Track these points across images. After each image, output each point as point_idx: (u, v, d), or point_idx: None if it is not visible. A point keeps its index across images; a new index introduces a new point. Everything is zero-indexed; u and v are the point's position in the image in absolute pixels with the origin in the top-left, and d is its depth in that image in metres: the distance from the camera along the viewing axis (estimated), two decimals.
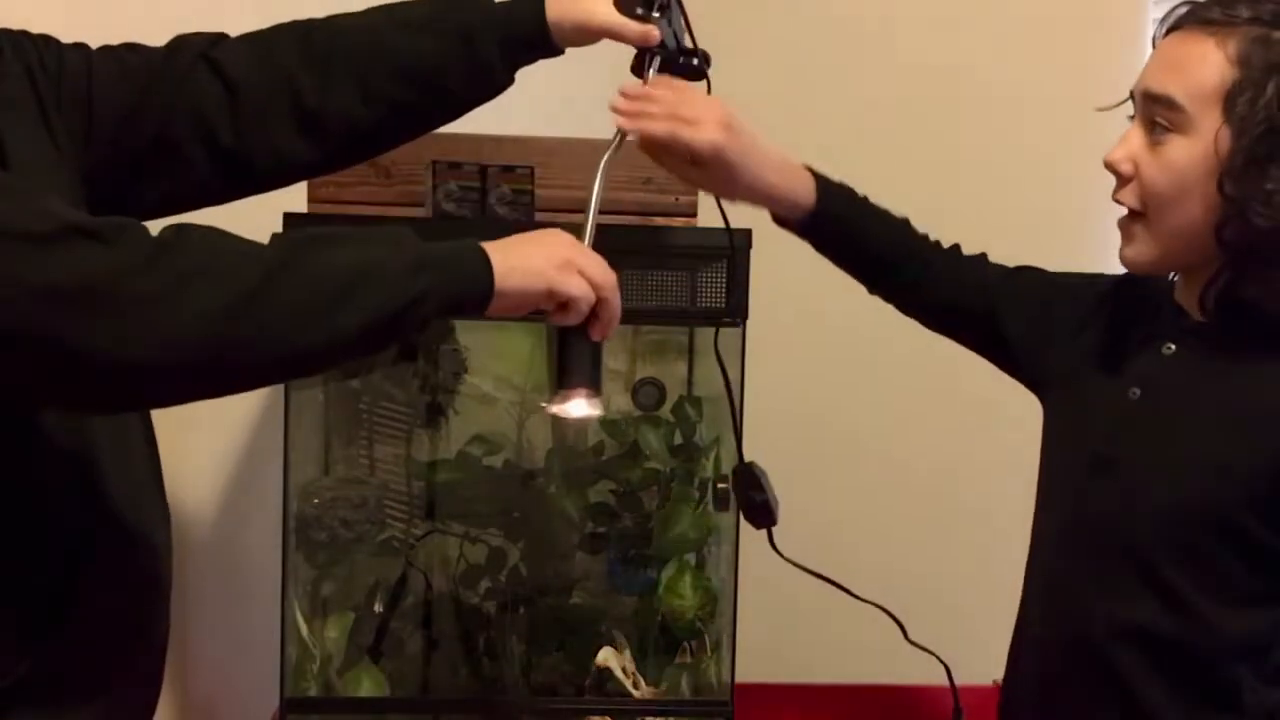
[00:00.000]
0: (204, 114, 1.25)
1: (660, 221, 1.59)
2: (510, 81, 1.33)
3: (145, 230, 1.01)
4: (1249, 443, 1.15)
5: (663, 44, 1.29)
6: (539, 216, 1.56)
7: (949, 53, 2.20)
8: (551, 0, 1.29)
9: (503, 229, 1.53)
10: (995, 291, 1.38)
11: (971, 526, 2.27)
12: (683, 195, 1.63)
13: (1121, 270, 1.27)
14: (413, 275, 1.07)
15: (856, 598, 1.43)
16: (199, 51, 1.28)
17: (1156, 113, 1.16)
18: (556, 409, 1.23)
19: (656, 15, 1.28)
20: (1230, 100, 1.12)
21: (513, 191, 1.55)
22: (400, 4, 1.33)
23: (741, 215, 1.51)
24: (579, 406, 1.23)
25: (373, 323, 1.05)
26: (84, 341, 0.96)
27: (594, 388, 1.23)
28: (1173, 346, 1.22)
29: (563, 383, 1.22)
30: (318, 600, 1.65)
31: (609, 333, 1.20)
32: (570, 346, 1.22)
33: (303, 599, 1.60)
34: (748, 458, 1.43)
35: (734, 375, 1.56)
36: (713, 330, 1.44)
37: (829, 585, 1.48)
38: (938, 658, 1.43)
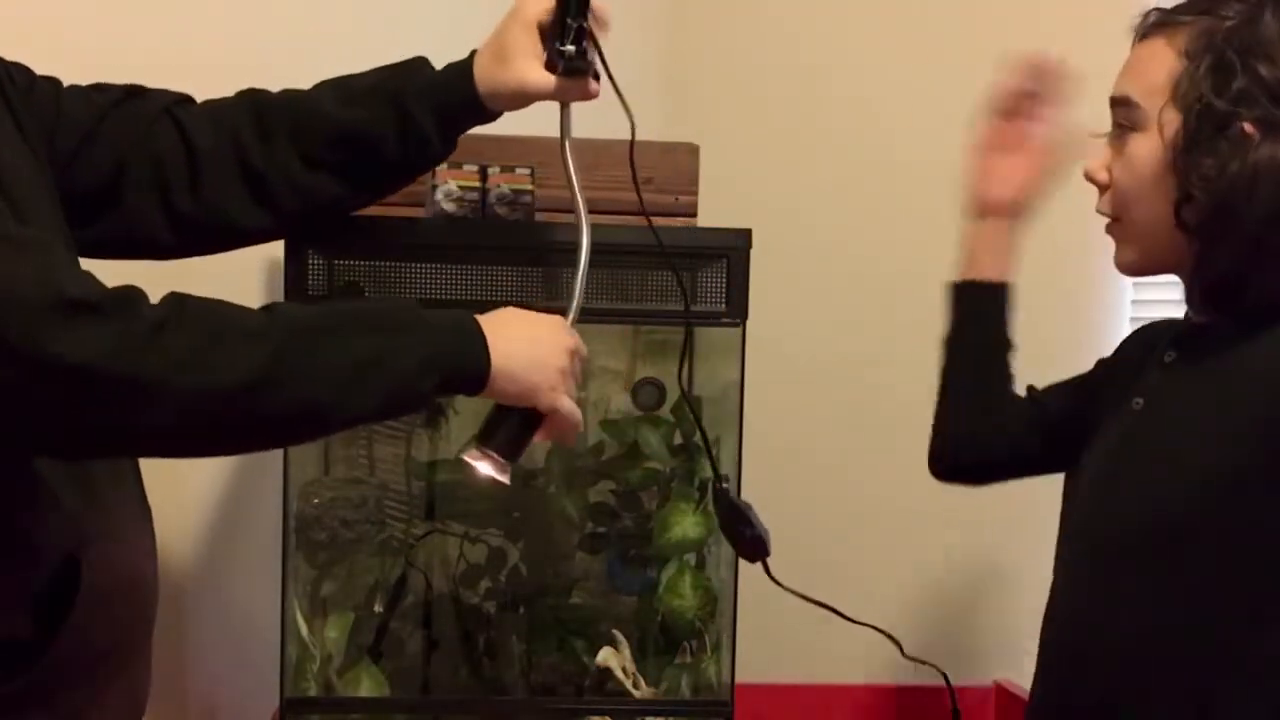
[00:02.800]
0: (161, 167, 1.29)
1: (660, 221, 1.59)
2: (451, 148, 1.37)
3: (146, 301, 1.01)
4: (1246, 443, 1.15)
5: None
6: (539, 216, 1.56)
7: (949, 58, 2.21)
8: (480, 69, 1.31)
9: (503, 229, 1.54)
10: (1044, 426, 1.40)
11: (972, 525, 2.27)
12: (683, 195, 1.63)
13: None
14: (420, 376, 1.11)
15: (853, 620, 1.43)
16: (165, 104, 1.32)
17: (1119, 116, 1.21)
18: (468, 457, 1.25)
19: (589, 60, 1.29)
20: (1176, 87, 1.15)
21: (513, 191, 1.55)
22: (347, 76, 1.36)
23: (741, 215, 1.51)
24: (486, 468, 1.25)
25: (370, 417, 1.14)
26: (78, 417, 0.97)
27: (512, 460, 1.25)
28: (1173, 354, 1.23)
29: (486, 441, 1.24)
30: (318, 600, 1.65)
31: (559, 439, 1.28)
32: (512, 418, 1.23)
33: (303, 599, 1.60)
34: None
35: (734, 375, 1.56)
36: (713, 330, 1.44)
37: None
38: (936, 668, 1.44)
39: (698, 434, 1.69)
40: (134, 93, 1.32)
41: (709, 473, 1.66)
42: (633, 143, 1.35)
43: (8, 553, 1.07)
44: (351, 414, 1.10)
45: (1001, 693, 2.02)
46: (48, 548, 1.09)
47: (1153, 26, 1.20)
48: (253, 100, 1.35)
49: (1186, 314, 1.27)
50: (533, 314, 1.24)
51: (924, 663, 1.46)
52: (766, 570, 1.41)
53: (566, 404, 1.22)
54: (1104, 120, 1.26)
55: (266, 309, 1.09)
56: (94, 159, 1.26)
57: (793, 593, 1.41)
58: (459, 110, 1.33)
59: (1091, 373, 1.40)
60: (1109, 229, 1.25)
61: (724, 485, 1.46)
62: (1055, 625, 1.29)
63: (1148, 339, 1.34)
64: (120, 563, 1.17)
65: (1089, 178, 1.24)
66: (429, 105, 1.32)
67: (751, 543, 1.40)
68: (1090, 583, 1.24)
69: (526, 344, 1.19)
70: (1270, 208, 1.11)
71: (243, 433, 1.06)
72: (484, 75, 1.31)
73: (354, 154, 1.33)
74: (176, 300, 1.02)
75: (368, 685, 1.60)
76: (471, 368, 1.15)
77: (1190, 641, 1.16)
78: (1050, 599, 1.32)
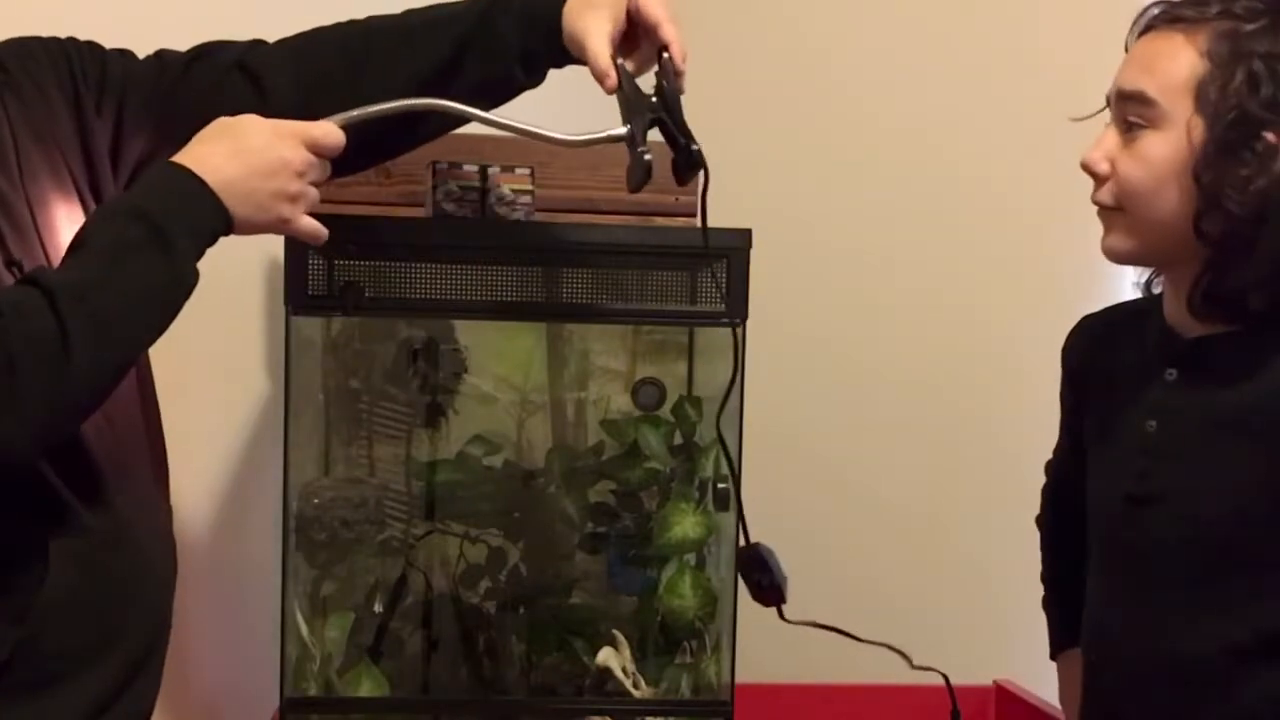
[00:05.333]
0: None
1: (660, 221, 1.59)
2: (522, 76, 1.32)
3: None
4: (1264, 455, 1.14)
5: (663, 118, 1.24)
6: (539, 216, 1.56)
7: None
8: (571, 3, 1.28)
9: (503, 229, 1.54)
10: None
11: (972, 525, 2.27)
12: (682, 195, 1.63)
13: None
14: (183, 267, 1.12)
15: (863, 640, 1.42)
16: (234, 58, 1.30)
17: (1130, 111, 1.18)
18: None
19: (640, 91, 1.24)
20: (1201, 91, 1.14)
21: (513, 191, 1.55)
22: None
23: (741, 215, 1.51)
24: None
25: (168, 323, 1.13)
26: None
27: None
28: (1174, 372, 1.22)
29: None
30: (318, 600, 1.65)
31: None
32: None
33: (303, 599, 1.60)
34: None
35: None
36: (712, 330, 1.43)
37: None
38: (936, 670, 1.43)
39: (698, 436, 1.69)
40: (202, 54, 1.31)
41: (709, 473, 1.66)
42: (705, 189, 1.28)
43: (16, 547, 1.10)
44: (154, 335, 1.13)
45: (1001, 693, 2.02)
46: (50, 545, 1.11)
47: (1164, 20, 1.18)
48: (342, 32, 1.34)
49: (1146, 301, 1.26)
50: (247, 130, 1.17)
51: (932, 669, 1.46)
52: (780, 615, 1.39)
53: (305, 224, 1.20)
54: (1088, 106, 1.24)
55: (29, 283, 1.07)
56: (167, 129, 1.25)
57: (804, 624, 1.40)
58: (540, 22, 1.29)
59: (1065, 407, 1.40)
60: (1103, 215, 1.23)
61: (723, 486, 1.45)
62: (1101, 643, 1.29)
63: (1101, 336, 1.33)
64: (122, 563, 1.18)
65: (1088, 169, 1.21)
66: (514, 7, 1.30)
67: (770, 591, 1.38)
68: (1135, 600, 1.24)
69: (247, 175, 1.15)
70: None
71: (73, 410, 1.09)
72: (569, 9, 1.28)
73: (439, 73, 1.30)
74: None
75: (368, 685, 1.59)
76: (210, 230, 1.14)
77: (1247, 658, 1.16)
78: (1089, 613, 1.32)
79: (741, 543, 1.37)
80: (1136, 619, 1.23)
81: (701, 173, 1.23)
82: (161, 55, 1.31)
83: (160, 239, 1.09)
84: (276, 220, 1.17)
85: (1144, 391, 1.24)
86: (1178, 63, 1.15)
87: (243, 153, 1.15)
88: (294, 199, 1.17)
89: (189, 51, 1.32)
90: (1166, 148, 1.16)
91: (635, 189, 1.24)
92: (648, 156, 1.20)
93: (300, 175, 1.17)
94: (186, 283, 1.12)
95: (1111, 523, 1.27)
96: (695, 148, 1.21)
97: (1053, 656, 1.45)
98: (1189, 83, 1.14)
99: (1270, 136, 1.11)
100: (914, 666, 1.44)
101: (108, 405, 1.13)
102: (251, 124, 1.17)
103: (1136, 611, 1.23)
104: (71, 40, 1.26)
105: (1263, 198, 1.11)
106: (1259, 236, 1.12)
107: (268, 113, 1.20)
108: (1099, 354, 1.33)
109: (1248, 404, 1.16)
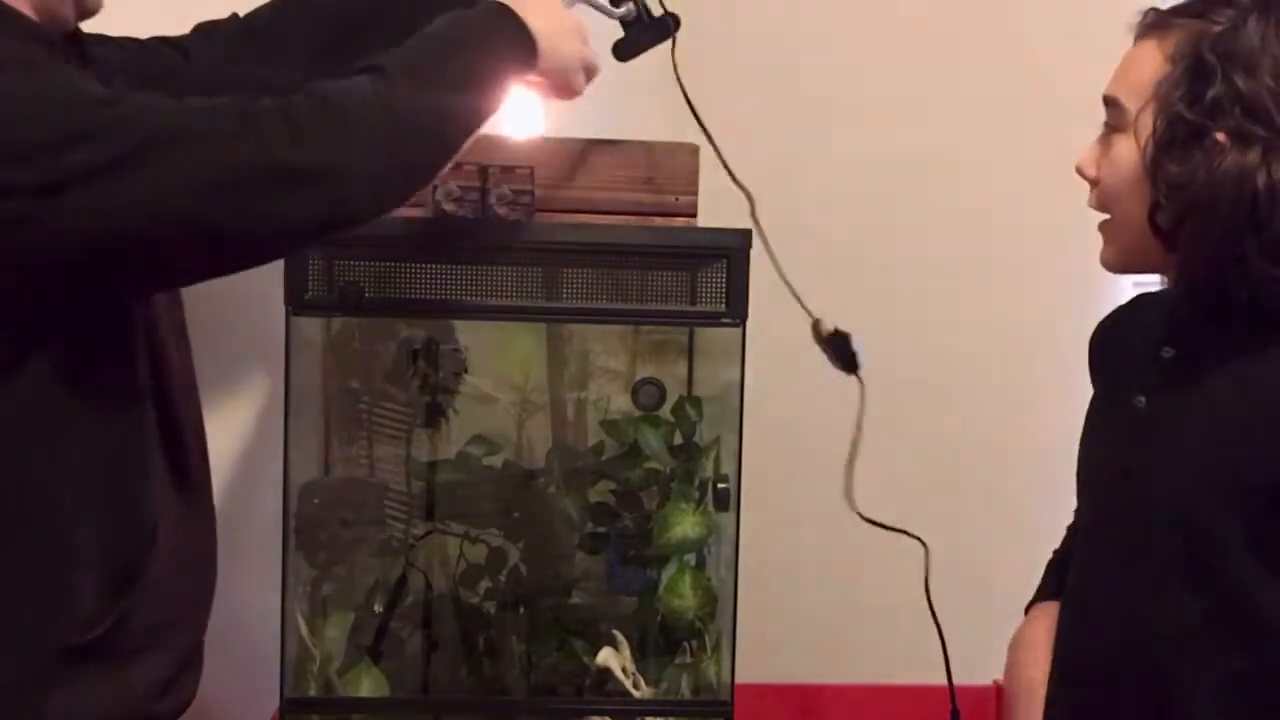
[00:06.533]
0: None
1: (660, 221, 1.59)
2: None
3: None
4: (1250, 440, 1.15)
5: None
6: (539, 216, 1.56)
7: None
8: None
9: (503, 229, 1.54)
10: None
11: (972, 524, 2.27)
12: (682, 195, 1.63)
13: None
14: (503, 73, 1.24)
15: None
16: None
17: (1108, 116, 1.21)
18: None
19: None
20: (1158, 91, 1.15)
21: (513, 191, 1.55)
22: None
23: (742, 215, 1.51)
24: None
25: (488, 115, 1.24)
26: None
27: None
28: (1171, 350, 1.23)
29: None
30: (318, 600, 1.65)
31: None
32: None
33: (303, 599, 1.60)
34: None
35: (734, 376, 1.56)
36: (712, 330, 1.44)
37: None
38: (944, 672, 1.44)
39: (698, 436, 1.69)
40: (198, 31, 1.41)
41: (709, 472, 1.66)
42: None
43: (119, 515, 1.15)
44: (481, 116, 1.23)
45: (1002, 693, 2.02)
46: (144, 515, 1.17)
47: (1148, 27, 1.20)
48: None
49: (1168, 292, 1.28)
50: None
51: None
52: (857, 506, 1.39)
53: (579, 81, 1.35)
54: (1095, 110, 1.26)
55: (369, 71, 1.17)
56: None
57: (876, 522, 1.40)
58: None
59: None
60: (1100, 226, 1.25)
61: (723, 486, 1.45)
62: (1074, 623, 1.30)
63: (1111, 324, 1.35)
64: (187, 539, 1.25)
65: (1080, 172, 1.24)
66: None
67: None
68: (1110, 581, 1.24)
69: (557, 35, 1.30)
70: (1228, 221, 1.11)
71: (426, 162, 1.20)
72: None
73: None
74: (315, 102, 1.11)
75: (368, 685, 1.60)
76: (526, 56, 1.27)
77: (1215, 636, 1.16)
78: (1069, 593, 1.32)
79: None
80: (1112, 590, 1.23)
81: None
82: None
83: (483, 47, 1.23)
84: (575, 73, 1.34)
85: (1141, 369, 1.26)
86: (1145, 66, 1.17)
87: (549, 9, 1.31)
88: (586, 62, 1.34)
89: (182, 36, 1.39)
90: (1131, 151, 1.17)
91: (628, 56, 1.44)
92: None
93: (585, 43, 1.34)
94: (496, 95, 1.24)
95: (1097, 495, 1.29)
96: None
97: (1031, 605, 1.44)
98: (1151, 85, 1.16)
99: (1219, 137, 1.11)
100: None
101: (189, 408, 1.24)
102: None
103: (1113, 584, 1.24)
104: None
105: (1200, 191, 1.11)
106: (1200, 230, 1.13)
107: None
108: (1107, 340, 1.35)
109: (1230, 389, 1.16)
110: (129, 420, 1.16)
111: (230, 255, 1.13)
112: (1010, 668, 1.39)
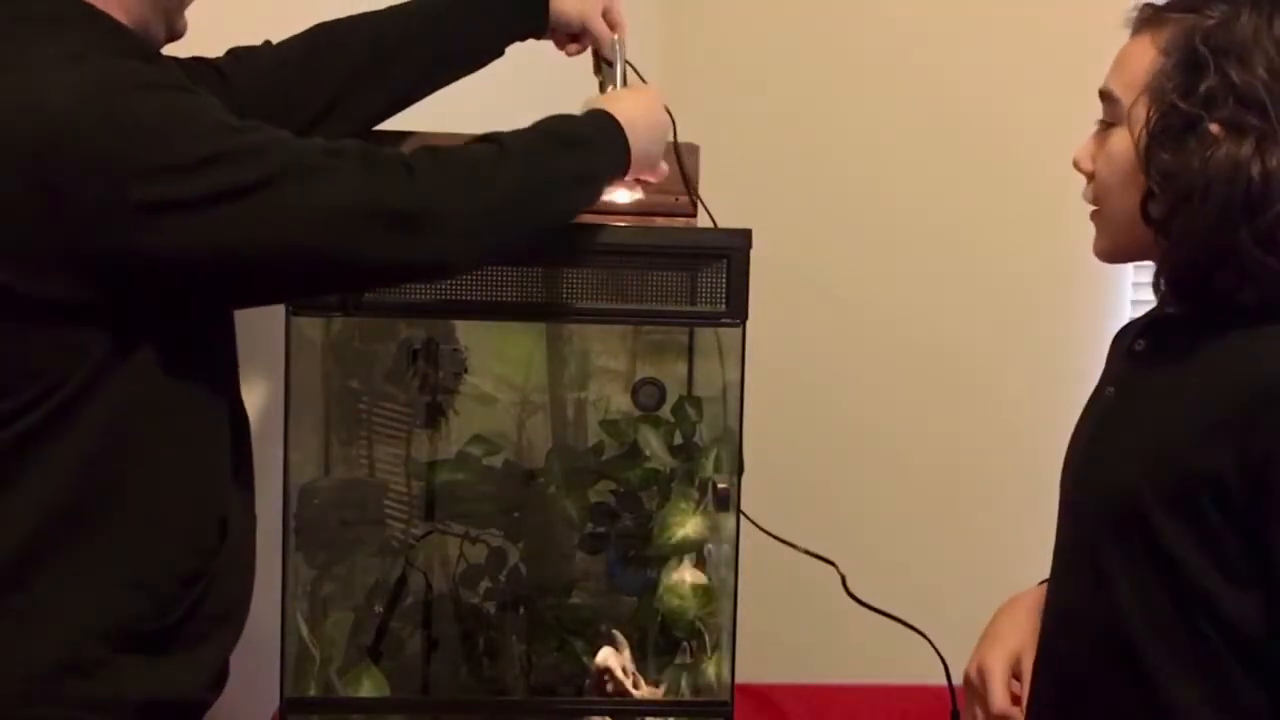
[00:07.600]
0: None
1: (660, 221, 1.59)
2: (504, 35, 1.53)
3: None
4: (1203, 431, 1.14)
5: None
6: None
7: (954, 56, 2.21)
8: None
9: None
10: None
11: (971, 524, 2.27)
12: (682, 195, 1.63)
13: None
14: (603, 179, 1.38)
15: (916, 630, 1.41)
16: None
17: (1104, 110, 1.22)
18: None
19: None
20: (1152, 84, 1.16)
21: None
22: None
23: (741, 215, 1.51)
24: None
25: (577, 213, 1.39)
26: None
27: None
28: (1142, 343, 1.24)
29: None
30: (318, 600, 1.65)
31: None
32: None
33: (303, 599, 1.60)
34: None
35: (734, 375, 1.56)
36: (712, 330, 1.44)
37: (827, 586, 1.47)
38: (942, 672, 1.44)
39: (698, 436, 1.69)
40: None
41: (709, 472, 1.66)
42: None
43: (199, 507, 1.22)
44: (574, 210, 1.38)
45: None
46: (218, 508, 1.24)
47: (1143, 22, 1.21)
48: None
49: (1161, 303, 1.28)
50: (641, 97, 1.46)
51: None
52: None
53: (662, 169, 1.51)
54: (1090, 107, 1.26)
55: (488, 140, 1.28)
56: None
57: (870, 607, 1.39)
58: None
59: None
60: (1091, 216, 1.26)
61: (723, 486, 1.45)
62: (1047, 612, 1.30)
63: (1120, 335, 1.36)
64: (242, 531, 1.30)
65: (1076, 166, 1.25)
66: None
67: None
68: (1074, 569, 1.25)
69: (648, 130, 1.42)
70: (1221, 210, 1.11)
71: (508, 237, 1.30)
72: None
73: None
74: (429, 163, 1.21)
75: (368, 685, 1.59)
76: (623, 167, 1.40)
77: (1168, 625, 1.16)
78: (1049, 579, 1.33)
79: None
80: (1074, 580, 1.24)
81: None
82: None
83: (587, 153, 1.34)
84: (658, 165, 1.47)
85: (1115, 362, 1.28)
86: (1139, 59, 1.18)
87: (648, 111, 1.43)
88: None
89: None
90: (1125, 143, 1.18)
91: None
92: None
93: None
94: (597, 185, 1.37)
95: (1066, 483, 1.30)
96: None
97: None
98: (1145, 78, 1.17)
99: (1213, 128, 1.12)
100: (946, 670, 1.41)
101: (242, 406, 1.30)
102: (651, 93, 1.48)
103: (1073, 573, 1.25)
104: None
105: (1192, 181, 1.12)
106: (1191, 219, 1.13)
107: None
108: (1113, 342, 1.37)
109: (1196, 378, 1.16)
110: (215, 418, 1.24)
111: (335, 284, 1.30)
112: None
